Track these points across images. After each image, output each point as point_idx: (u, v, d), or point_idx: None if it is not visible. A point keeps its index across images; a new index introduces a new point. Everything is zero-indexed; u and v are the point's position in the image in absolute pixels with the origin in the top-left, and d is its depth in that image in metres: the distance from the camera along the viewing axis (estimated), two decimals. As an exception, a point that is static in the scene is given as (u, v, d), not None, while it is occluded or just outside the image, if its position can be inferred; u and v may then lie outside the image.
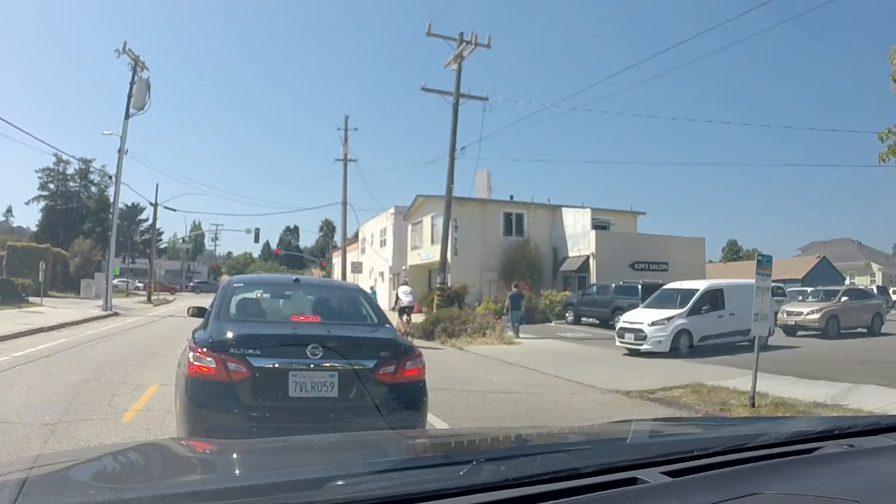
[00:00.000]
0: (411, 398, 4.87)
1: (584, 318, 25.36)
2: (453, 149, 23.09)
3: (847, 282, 47.85)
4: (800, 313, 20.16)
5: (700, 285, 16.52)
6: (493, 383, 10.93)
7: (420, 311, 28.03)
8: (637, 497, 1.27)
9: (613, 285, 24.63)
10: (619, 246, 30.68)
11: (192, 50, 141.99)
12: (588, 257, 30.46)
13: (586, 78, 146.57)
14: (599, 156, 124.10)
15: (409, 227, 37.16)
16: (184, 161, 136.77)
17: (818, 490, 1.32)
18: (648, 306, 16.60)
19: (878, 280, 55.11)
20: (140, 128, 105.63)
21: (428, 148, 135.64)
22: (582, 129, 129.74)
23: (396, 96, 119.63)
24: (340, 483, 1.28)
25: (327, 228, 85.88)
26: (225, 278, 11.48)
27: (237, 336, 4.59)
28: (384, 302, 29.86)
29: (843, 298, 20.93)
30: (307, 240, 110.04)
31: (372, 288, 32.58)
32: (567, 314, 26.76)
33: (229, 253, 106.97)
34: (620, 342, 15.50)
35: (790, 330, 19.74)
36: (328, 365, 4.51)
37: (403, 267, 36.84)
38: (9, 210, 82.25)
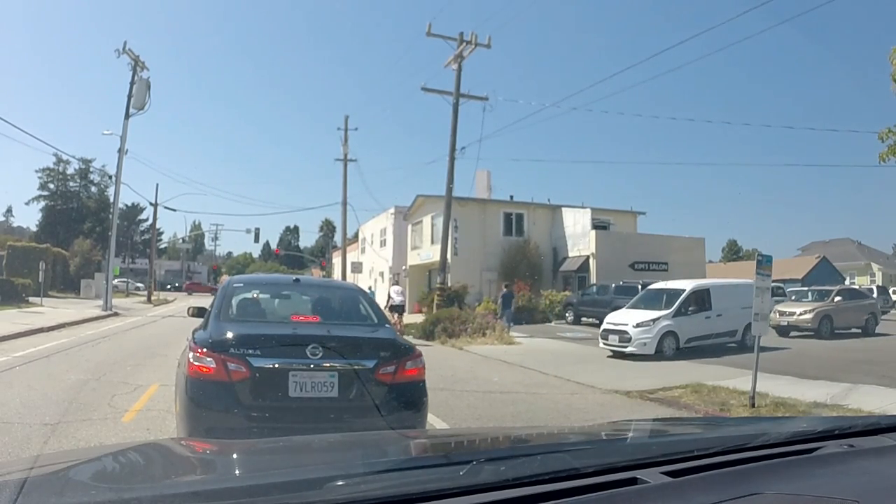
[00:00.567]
0: (411, 398, 4.87)
1: (584, 319, 25.34)
2: (453, 149, 23.10)
3: (847, 282, 47.85)
4: (792, 313, 19.86)
5: (686, 285, 16.12)
6: (493, 383, 10.93)
7: (420, 311, 28.07)
8: (637, 497, 1.27)
9: (613, 285, 24.63)
10: (619, 246, 30.68)
11: (192, 50, 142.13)
12: (588, 257, 30.46)
13: (586, 78, 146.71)
14: (599, 156, 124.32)
15: (409, 227, 37.15)
16: (184, 161, 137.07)
17: (818, 490, 1.32)
18: (633, 307, 16.26)
19: (878, 280, 55.09)
20: (140, 128, 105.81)
21: (428, 148, 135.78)
22: (582, 130, 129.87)
23: (396, 96, 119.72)
24: (340, 483, 1.28)
25: (327, 228, 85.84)
26: (225, 278, 11.48)
27: (237, 336, 4.59)
28: (382, 302, 29.79)
29: (837, 298, 20.65)
30: (307, 240, 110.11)
31: (370, 288, 32.61)
32: (567, 314, 26.77)
33: (229, 253, 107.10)
34: (604, 344, 15.13)
35: (783, 330, 19.43)
36: (328, 365, 4.51)
37: (403, 267, 36.86)
38: (9, 210, 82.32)
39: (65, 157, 56.21)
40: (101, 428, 6.39)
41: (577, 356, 15.12)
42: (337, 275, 43.90)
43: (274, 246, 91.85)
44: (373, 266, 42.84)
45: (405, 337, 12.16)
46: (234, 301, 5.54)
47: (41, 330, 16.84)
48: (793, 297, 22.87)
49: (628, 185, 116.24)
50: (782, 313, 20.01)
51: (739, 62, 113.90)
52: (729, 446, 1.62)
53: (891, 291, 37.73)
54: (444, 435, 4.15)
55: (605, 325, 15.64)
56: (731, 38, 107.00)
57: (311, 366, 4.46)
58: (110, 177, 39.96)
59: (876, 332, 20.70)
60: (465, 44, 22.86)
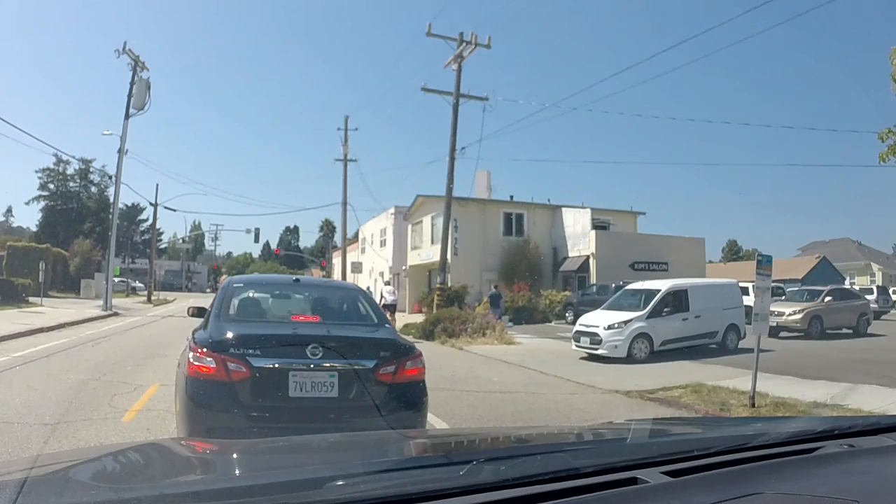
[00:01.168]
0: (411, 398, 4.87)
1: (584, 319, 25.32)
2: (453, 149, 23.10)
3: (847, 282, 47.82)
4: (781, 314, 19.33)
5: (662, 285, 15.58)
6: (493, 383, 10.93)
7: (420, 311, 28.07)
8: (637, 497, 1.27)
9: (613, 285, 24.59)
10: (619, 246, 30.67)
11: (192, 50, 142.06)
12: (588, 257, 30.46)
13: (586, 78, 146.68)
14: (599, 156, 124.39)
15: (409, 227, 37.16)
16: (184, 161, 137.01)
17: (818, 490, 1.32)
18: (608, 308, 15.80)
19: (878, 280, 55.02)
20: (140, 128, 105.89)
21: (428, 148, 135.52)
22: (582, 129, 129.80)
23: (396, 97, 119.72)
24: (340, 483, 1.28)
25: (327, 228, 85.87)
26: (225, 278, 11.48)
27: (237, 336, 4.59)
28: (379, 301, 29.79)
29: (827, 298, 20.30)
30: (307, 240, 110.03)
31: (369, 288, 32.60)
32: (567, 314, 26.74)
33: (229, 253, 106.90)
34: (577, 346, 14.76)
35: (772, 331, 18.52)
36: (328, 365, 4.51)
37: (403, 267, 36.88)
38: (9, 210, 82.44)
39: (65, 158, 56.17)
40: (101, 428, 6.39)
41: (577, 356, 15.08)
42: (337, 275, 43.92)
43: (274, 246, 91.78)
44: (373, 266, 42.84)
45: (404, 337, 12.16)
46: (234, 301, 5.54)
47: (41, 330, 16.84)
48: (783, 298, 22.69)
49: (628, 185, 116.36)
50: (771, 313, 19.70)
51: (740, 62, 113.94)
52: (729, 446, 1.62)
53: (891, 291, 37.63)
54: (444, 435, 4.14)
55: (577, 327, 15.26)
56: (732, 38, 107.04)
57: (311, 366, 4.46)
58: (110, 177, 39.93)
59: (868, 332, 20.40)
60: (465, 44, 22.87)
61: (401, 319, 24.00)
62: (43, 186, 60.71)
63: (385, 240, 41.20)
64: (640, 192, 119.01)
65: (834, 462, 1.56)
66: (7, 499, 1.11)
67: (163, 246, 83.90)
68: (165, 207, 44.05)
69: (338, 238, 52.72)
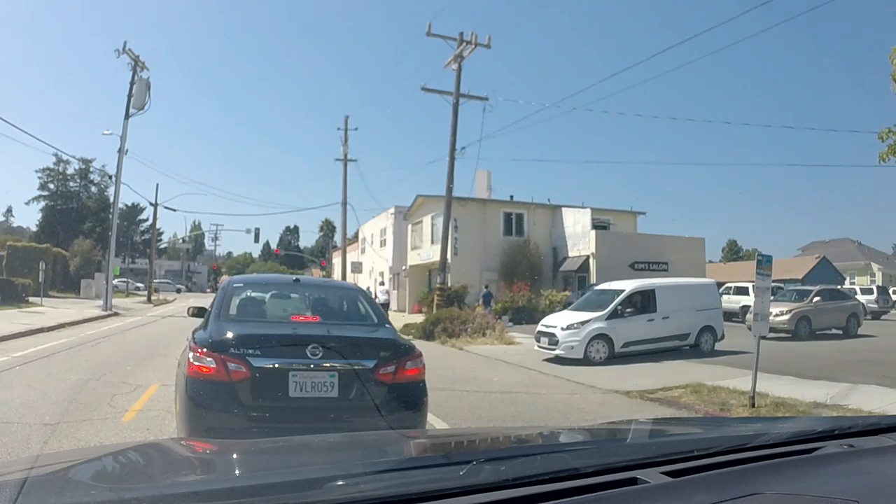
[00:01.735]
0: (411, 398, 4.87)
1: (584, 319, 25.31)
2: (453, 149, 23.11)
3: (847, 282, 47.83)
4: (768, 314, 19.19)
5: (627, 286, 15.24)
6: (493, 383, 10.93)
7: (420, 311, 28.06)
8: (637, 497, 1.27)
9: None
10: (619, 246, 30.66)
11: (192, 50, 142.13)
12: (588, 257, 30.45)
13: (586, 78, 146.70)
14: (599, 156, 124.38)
15: (409, 227, 37.16)
16: (184, 161, 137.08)
17: (818, 490, 1.32)
18: (575, 308, 15.55)
19: (878, 280, 55.01)
20: (140, 128, 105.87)
21: (428, 148, 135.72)
22: (582, 129, 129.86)
23: (396, 96, 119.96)
24: (340, 483, 1.28)
25: (327, 228, 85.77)
26: (225, 278, 11.48)
27: (237, 336, 4.59)
28: (384, 302, 29.76)
29: (816, 299, 19.97)
30: (307, 240, 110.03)
31: (368, 288, 32.61)
32: (567, 314, 26.73)
33: (229, 253, 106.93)
34: (538, 346, 14.56)
35: None
36: (328, 365, 4.51)
37: (403, 267, 36.88)
38: (9, 210, 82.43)
39: (65, 157, 56.33)
40: (101, 428, 6.39)
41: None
42: (337, 275, 43.93)
43: (274, 246, 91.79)
44: (373, 266, 42.84)
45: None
46: (234, 301, 5.54)
47: (41, 330, 16.84)
48: (771, 298, 22.40)
49: (628, 185, 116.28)
50: None
51: (740, 62, 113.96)
52: (729, 446, 1.62)
53: (891, 291, 37.63)
54: (444, 435, 4.14)
55: (538, 327, 15.07)
56: (732, 38, 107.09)
57: (311, 366, 4.46)
58: (110, 177, 39.97)
59: (858, 333, 20.08)
60: (465, 44, 22.87)
61: (401, 319, 24.02)
62: (43, 186, 60.82)
63: (385, 240, 41.20)
64: (640, 192, 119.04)
65: (834, 462, 1.55)
66: (7, 499, 1.11)
67: (163, 246, 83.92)
68: (165, 207, 44.09)
69: (338, 238, 52.77)
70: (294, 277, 7.47)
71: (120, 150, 28.60)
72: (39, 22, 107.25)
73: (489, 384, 10.80)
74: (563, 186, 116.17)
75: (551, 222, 33.64)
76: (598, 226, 31.94)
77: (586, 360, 13.54)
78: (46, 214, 60.09)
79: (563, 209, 33.41)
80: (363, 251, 46.66)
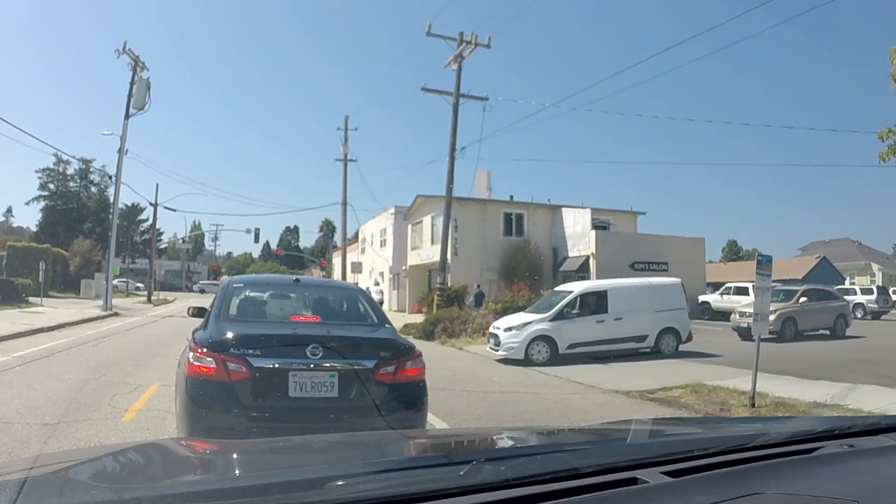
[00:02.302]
0: (411, 398, 4.86)
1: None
2: (453, 149, 23.12)
3: (847, 282, 47.80)
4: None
5: (576, 287, 15.32)
6: (493, 383, 10.93)
7: (420, 311, 28.06)
8: (637, 497, 1.27)
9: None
10: (619, 246, 30.65)
11: (192, 50, 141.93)
12: (588, 257, 30.44)
13: (587, 78, 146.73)
14: (599, 156, 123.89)
15: (409, 227, 37.15)
16: (184, 161, 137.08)
17: (818, 490, 1.32)
18: (532, 310, 15.51)
19: (878, 280, 54.98)
20: (140, 128, 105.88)
21: (428, 148, 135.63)
22: (582, 129, 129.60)
23: (396, 96, 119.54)
24: (340, 483, 1.28)
25: (327, 228, 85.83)
26: (225, 278, 11.48)
27: (237, 336, 4.59)
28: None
29: (802, 299, 19.46)
30: (307, 240, 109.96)
31: (368, 288, 32.63)
32: (567, 314, 26.72)
33: (229, 253, 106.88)
34: (488, 348, 14.69)
35: (744, 332, 17.38)
36: (328, 365, 4.51)
37: (403, 267, 36.87)
38: (9, 210, 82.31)
39: (65, 158, 56.28)
40: (101, 428, 6.39)
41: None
42: (337, 275, 43.92)
43: (274, 246, 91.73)
44: (373, 266, 42.83)
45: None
46: (234, 301, 5.54)
47: (41, 330, 16.84)
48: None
49: (628, 185, 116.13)
50: (742, 314, 18.24)
51: (739, 62, 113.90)
52: (729, 446, 1.62)
53: (891, 291, 37.61)
54: (444, 435, 4.14)
55: (490, 328, 15.11)
56: (732, 37, 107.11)
57: (311, 366, 4.46)
58: (110, 177, 39.99)
59: (847, 334, 19.65)
60: (465, 44, 22.87)
61: (401, 319, 24.02)
62: (43, 186, 60.82)
63: (385, 240, 41.19)
64: (640, 192, 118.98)
65: (834, 462, 1.55)
66: (7, 499, 1.11)
67: (163, 246, 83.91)
68: (165, 207, 44.10)
69: (338, 238, 52.77)
70: (294, 277, 7.48)
71: (120, 151, 28.62)
72: (40, 22, 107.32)
73: (489, 384, 10.81)
74: (563, 186, 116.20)
75: (551, 222, 33.64)
76: (598, 226, 31.93)
77: (527, 361, 13.52)
78: (46, 214, 60.08)
79: (563, 209, 33.41)
80: (363, 251, 46.65)
